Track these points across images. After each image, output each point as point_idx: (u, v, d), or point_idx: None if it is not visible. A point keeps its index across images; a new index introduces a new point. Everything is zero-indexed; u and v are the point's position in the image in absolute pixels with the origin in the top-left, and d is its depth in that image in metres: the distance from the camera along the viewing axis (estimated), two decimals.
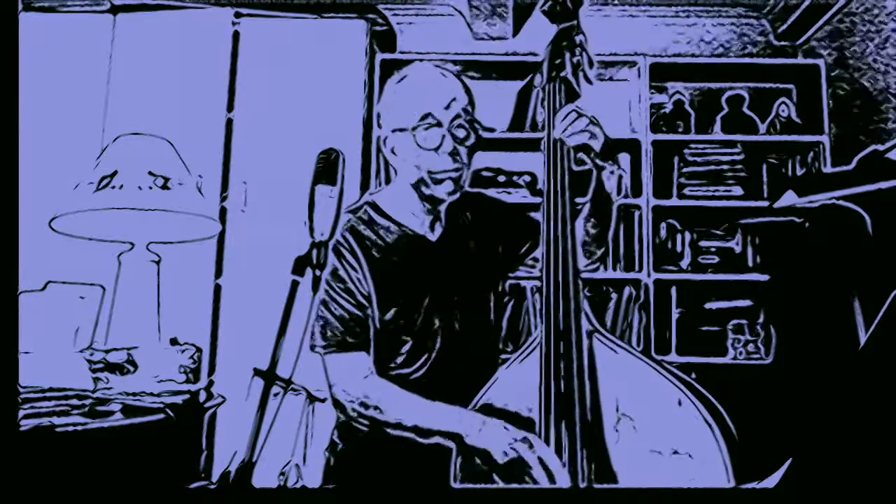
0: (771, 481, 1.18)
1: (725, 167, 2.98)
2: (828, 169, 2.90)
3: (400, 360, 1.47)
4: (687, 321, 2.95)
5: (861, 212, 1.99)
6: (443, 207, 1.53)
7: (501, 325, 1.68)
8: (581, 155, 1.40)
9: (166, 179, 2.19)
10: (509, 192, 3.00)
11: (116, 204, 2.14)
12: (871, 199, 1.94)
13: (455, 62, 3.00)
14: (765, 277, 2.89)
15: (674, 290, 2.95)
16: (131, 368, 1.99)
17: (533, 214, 1.57)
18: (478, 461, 1.31)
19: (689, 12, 3.25)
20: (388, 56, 2.97)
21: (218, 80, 2.86)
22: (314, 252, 1.24)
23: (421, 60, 1.57)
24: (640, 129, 2.99)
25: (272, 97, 2.83)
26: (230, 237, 2.77)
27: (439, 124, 1.45)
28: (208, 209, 2.34)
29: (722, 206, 2.96)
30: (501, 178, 3.03)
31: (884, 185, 1.87)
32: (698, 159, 3.00)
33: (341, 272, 1.46)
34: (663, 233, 3.00)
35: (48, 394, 1.73)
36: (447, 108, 1.46)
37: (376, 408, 1.40)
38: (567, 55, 1.43)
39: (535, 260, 1.54)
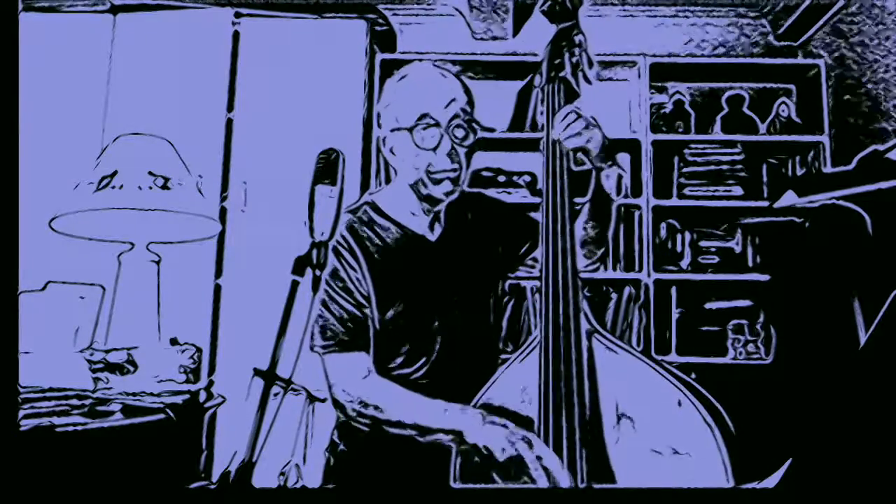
0: (771, 481, 1.18)
1: (725, 167, 2.98)
2: (828, 169, 2.90)
3: (400, 360, 1.48)
4: (687, 321, 2.94)
5: (861, 212, 1.99)
6: (442, 207, 1.53)
7: (501, 325, 1.68)
8: (580, 155, 1.40)
9: (166, 179, 2.19)
10: (509, 192, 3.00)
11: (116, 204, 2.14)
12: (871, 199, 1.94)
13: (455, 62, 3.00)
14: (765, 277, 2.89)
15: (674, 290, 2.94)
16: (131, 368, 1.99)
17: (533, 214, 1.57)
18: (477, 459, 1.31)
19: (689, 12, 3.25)
20: (388, 56, 2.97)
21: (218, 80, 2.86)
22: (314, 252, 1.24)
23: (421, 60, 1.57)
24: (640, 129, 2.99)
25: (272, 97, 2.83)
26: (230, 237, 2.77)
27: (438, 124, 1.45)
28: (208, 209, 2.34)
29: (722, 206, 2.96)
30: (501, 178, 3.03)
31: (884, 185, 1.87)
32: (698, 159, 3.00)
33: (341, 272, 1.46)
34: (663, 233, 3.00)
35: (48, 394, 1.73)
36: (446, 107, 1.46)
37: (376, 407, 1.40)
38: (566, 55, 1.43)
39: (535, 260, 1.54)
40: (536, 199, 2.91)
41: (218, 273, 2.75)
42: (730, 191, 2.97)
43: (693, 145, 3.01)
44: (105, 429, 1.71)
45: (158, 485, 1.77)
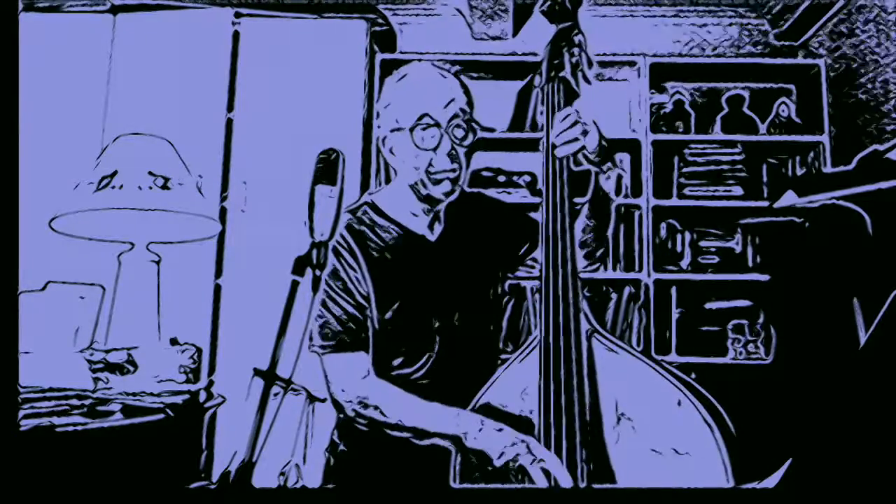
0: (771, 481, 1.18)
1: (725, 167, 2.98)
2: (828, 169, 2.90)
3: (399, 360, 1.47)
4: (687, 321, 2.95)
5: (861, 212, 1.99)
6: (442, 207, 1.53)
7: (501, 325, 1.68)
8: (580, 156, 1.40)
9: (166, 179, 2.19)
10: (509, 192, 3.00)
11: (116, 204, 2.14)
12: (871, 199, 1.94)
13: (455, 62, 3.00)
14: (765, 277, 2.89)
15: (674, 290, 2.95)
16: (131, 368, 1.99)
17: (533, 214, 1.57)
18: (475, 461, 1.31)
19: (688, 12, 3.25)
20: (388, 56, 2.97)
21: (218, 80, 2.86)
22: (314, 252, 1.24)
23: (420, 60, 1.56)
24: (639, 129, 2.99)
25: (272, 97, 2.83)
26: (230, 237, 2.77)
27: (437, 124, 1.45)
28: (208, 209, 2.34)
29: (722, 206, 2.96)
30: (501, 178, 3.03)
31: (884, 185, 1.87)
32: (698, 159, 3.00)
33: (340, 272, 1.46)
34: (663, 233, 3.00)
35: (48, 394, 1.73)
36: (445, 107, 1.45)
37: (376, 408, 1.40)
38: (566, 55, 1.43)
39: (535, 260, 1.54)
40: (536, 199, 2.90)
41: (218, 273, 2.75)
42: (730, 191, 2.97)
43: (693, 145, 3.01)
44: (105, 429, 1.71)
45: (158, 485, 1.77)
